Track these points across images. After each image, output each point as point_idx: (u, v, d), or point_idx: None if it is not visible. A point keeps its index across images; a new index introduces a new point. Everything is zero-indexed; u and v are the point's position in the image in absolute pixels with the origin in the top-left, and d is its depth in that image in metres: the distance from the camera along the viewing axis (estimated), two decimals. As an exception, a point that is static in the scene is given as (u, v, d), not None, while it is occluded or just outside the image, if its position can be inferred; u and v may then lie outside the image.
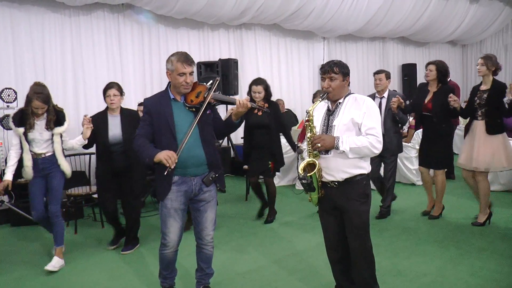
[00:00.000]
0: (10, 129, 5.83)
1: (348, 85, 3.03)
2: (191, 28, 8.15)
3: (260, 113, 3.12)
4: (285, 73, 9.68)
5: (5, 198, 5.83)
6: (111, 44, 7.26)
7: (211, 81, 3.24)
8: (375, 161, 5.05)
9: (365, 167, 2.96)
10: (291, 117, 8.96)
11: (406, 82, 11.40)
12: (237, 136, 8.02)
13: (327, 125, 2.98)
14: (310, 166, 2.92)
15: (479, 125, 4.75)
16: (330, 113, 3.01)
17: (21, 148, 4.17)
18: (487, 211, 4.93)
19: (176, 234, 3.21)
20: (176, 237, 3.22)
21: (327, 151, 2.90)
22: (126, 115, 4.53)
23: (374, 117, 2.90)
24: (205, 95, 3.09)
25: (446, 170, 5.28)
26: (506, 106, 4.56)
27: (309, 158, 2.93)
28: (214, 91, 3.15)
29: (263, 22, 8.63)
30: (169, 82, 3.17)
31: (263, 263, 4.18)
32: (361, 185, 2.96)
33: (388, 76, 5.28)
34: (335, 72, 2.93)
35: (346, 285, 3.22)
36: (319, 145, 2.82)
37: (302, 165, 2.92)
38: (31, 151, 4.13)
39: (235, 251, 4.54)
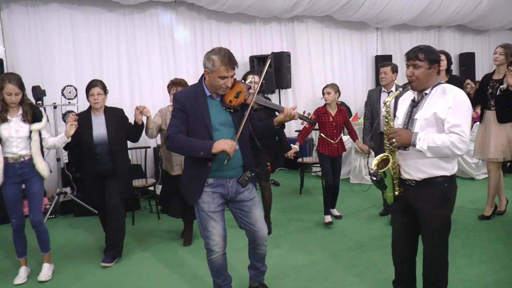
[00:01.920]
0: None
1: (438, 73, 2.69)
2: (243, 23, 8.16)
3: (308, 126, 2.96)
4: (338, 65, 9.52)
5: (68, 190, 6.11)
6: (164, 40, 7.39)
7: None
8: None
9: (448, 168, 2.65)
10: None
11: (464, 72, 10.87)
12: (291, 130, 7.99)
13: (410, 118, 2.71)
14: (384, 162, 2.70)
15: (492, 114, 4.62)
16: (414, 105, 2.73)
17: None
18: (494, 204, 4.82)
19: (219, 235, 2.99)
20: (220, 238, 2.99)
21: (405, 147, 2.66)
22: (111, 114, 4.21)
23: (461, 113, 2.54)
24: (246, 97, 2.88)
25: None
26: (499, 92, 4.41)
27: (385, 152, 2.72)
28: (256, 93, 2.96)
29: (315, 14, 8.50)
30: (203, 76, 2.93)
31: (318, 257, 4.14)
32: (441, 187, 2.65)
33: (394, 69, 5.00)
34: (419, 59, 2.61)
35: (407, 285, 3.04)
36: (394, 140, 2.59)
37: (375, 160, 2.71)
38: (8, 154, 3.71)
39: (290, 244, 4.52)
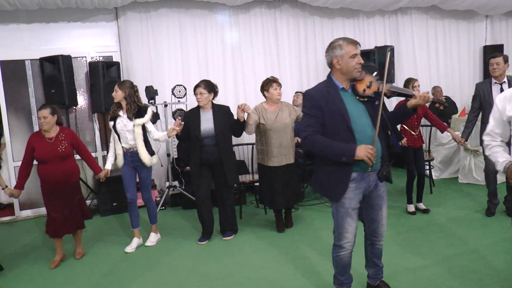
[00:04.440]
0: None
1: None
2: (346, 18, 8.03)
3: (442, 107, 2.90)
4: (443, 57, 9.01)
5: (177, 183, 6.48)
6: (268, 38, 7.49)
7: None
8: None
9: None
10: (450, 105, 8.38)
11: None
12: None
13: None
14: None
15: None
16: None
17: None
18: None
19: (353, 233, 2.97)
20: (353, 236, 2.98)
21: None
22: (218, 110, 4.74)
23: None
24: (379, 86, 2.88)
25: None
26: None
27: None
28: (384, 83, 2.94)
29: (421, 4, 8.10)
30: (330, 73, 2.96)
31: (432, 260, 4.01)
32: None
33: (506, 59, 4.83)
34: None
35: None
36: None
37: None
38: (123, 144, 4.59)
39: (401, 245, 4.42)
